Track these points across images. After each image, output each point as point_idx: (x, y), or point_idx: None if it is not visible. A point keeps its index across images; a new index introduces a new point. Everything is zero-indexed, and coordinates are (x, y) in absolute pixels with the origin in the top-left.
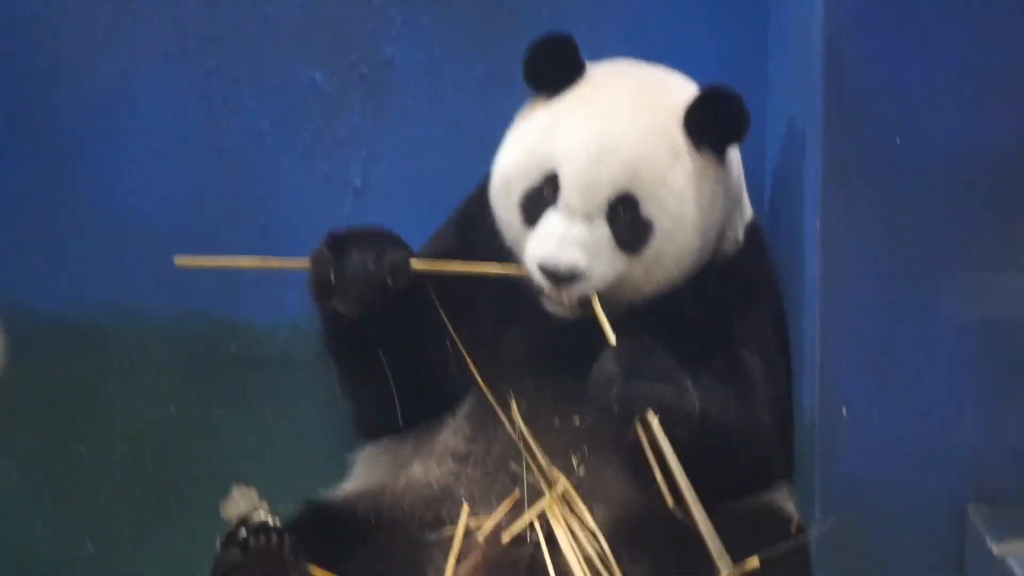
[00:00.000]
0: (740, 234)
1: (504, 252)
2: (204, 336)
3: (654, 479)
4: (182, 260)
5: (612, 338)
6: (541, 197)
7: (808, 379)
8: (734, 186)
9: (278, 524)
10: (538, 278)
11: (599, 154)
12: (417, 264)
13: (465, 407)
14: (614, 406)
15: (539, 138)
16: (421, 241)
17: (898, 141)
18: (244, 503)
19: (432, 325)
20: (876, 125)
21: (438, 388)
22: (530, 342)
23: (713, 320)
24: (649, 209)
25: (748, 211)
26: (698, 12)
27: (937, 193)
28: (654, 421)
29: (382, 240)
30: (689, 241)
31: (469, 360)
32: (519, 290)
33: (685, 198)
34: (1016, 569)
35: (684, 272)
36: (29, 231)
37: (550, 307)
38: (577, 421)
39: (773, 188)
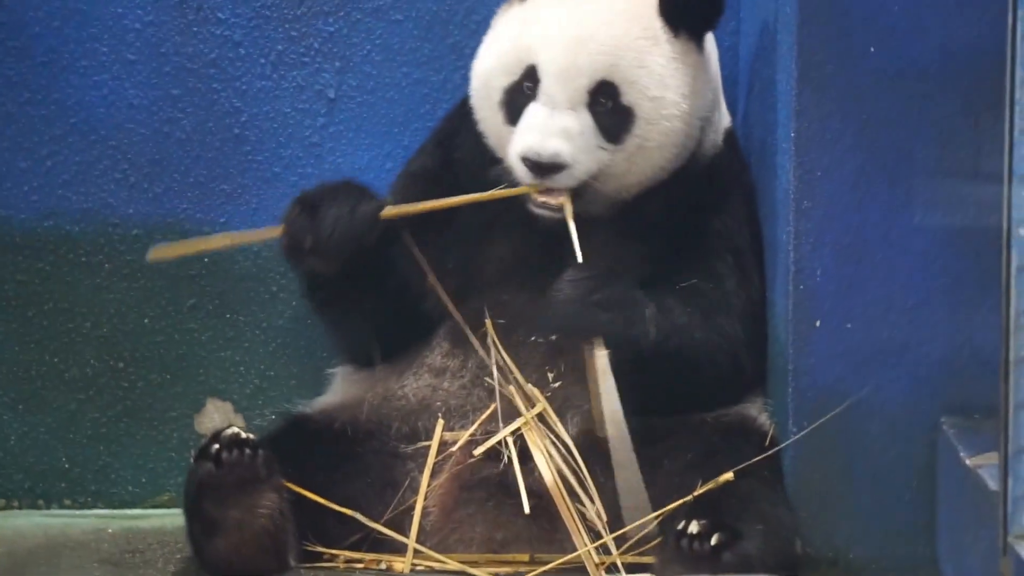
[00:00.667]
0: (720, 138)
1: (486, 163)
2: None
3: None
4: (156, 253)
5: (579, 254)
6: (521, 92)
7: (781, 290)
8: (713, 80)
9: (251, 438)
10: (522, 173)
11: (576, 43)
12: (389, 211)
13: (444, 323)
14: (564, 330)
15: (517, 33)
16: (396, 152)
17: (872, 49)
18: (218, 416)
19: (408, 259)
20: (850, 31)
21: (420, 319)
22: (508, 259)
23: (689, 224)
24: (630, 95)
25: (726, 116)
26: None
27: (910, 99)
28: (598, 351)
29: (350, 195)
30: (672, 127)
31: (442, 292)
32: (498, 207)
33: (665, 84)
34: (988, 480)
35: (668, 163)
36: (0, 140)
37: (536, 209)
38: (554, 337)
39: (747, 96)
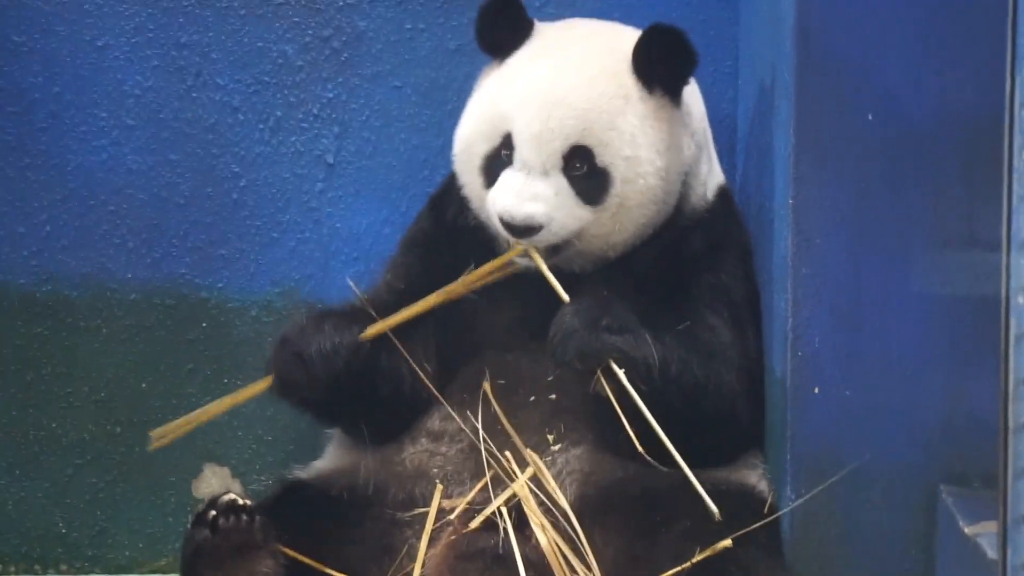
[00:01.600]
0: (709, 192)
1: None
2: (175, 312)
3: (622, 429)
4: (157, 440)
5: (565, 296)
6: (499, 158)
7: (779, 354)
8: (698, 132)
9: (248, 503)
10: (501, 232)
11: (548, 108)
12: (369, 332)
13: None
14: (575, 360)
15: (493, 100)
16: (394, 217)
17: (869, 117)
18: (216, 481)
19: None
20: (848, 97)
21: (415, 401)
22: (507, 320)
23: (682, 279)
24: (604, 157)
25: (718, 173)
26: None
27: (907, 167)
28: (618, 370)
29: (331, 328)
30: (649, 184)
31: (429, 384)
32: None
33: (638, 143)
34: (987, 549)
35: (652, 219)
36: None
37: (520, 260)
38: (553, 397)
39: (745, 162)
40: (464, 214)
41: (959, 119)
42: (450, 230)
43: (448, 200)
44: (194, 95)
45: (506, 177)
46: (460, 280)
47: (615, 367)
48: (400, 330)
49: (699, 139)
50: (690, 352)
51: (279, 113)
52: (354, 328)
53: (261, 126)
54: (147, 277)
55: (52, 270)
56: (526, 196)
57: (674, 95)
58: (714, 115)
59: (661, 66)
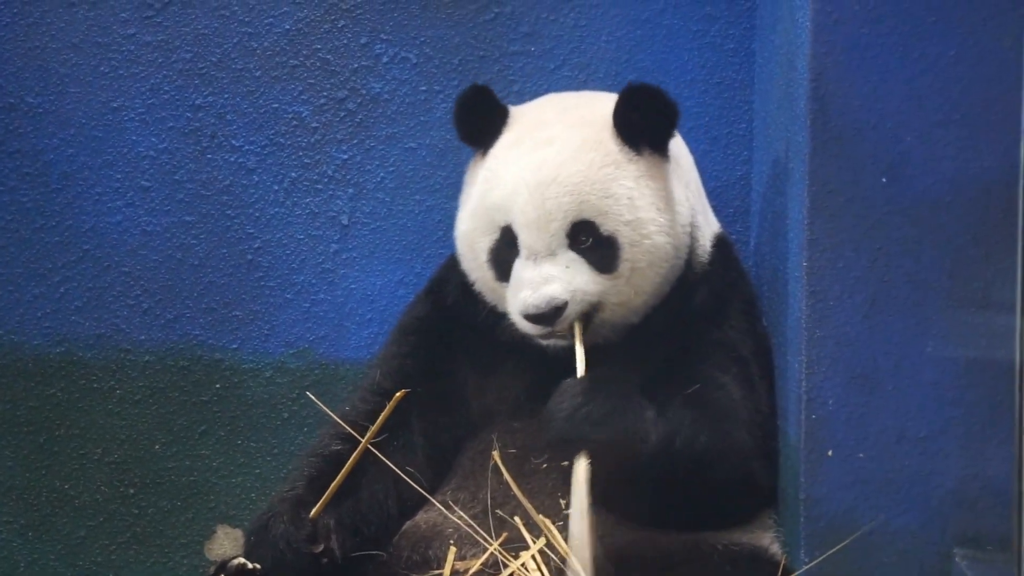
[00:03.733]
0: (707, 242)
1: (478, 312)
2: (189, 373)
3: (631, 498)
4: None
5: (582, 369)
6: (505, 250)
7: (793, 417)
8: (692, 183)
9: (258, 568)
10: (530, 328)
11: (541, 190)
12: (315, 512)
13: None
14: (554, 445)
15: (484, 193)
16: (408, 279)
17: (884, 180)
18: (228, 543)
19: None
20: (861, 162)
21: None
22: (519, 387)
23: (689, 336)
24: (607, 226)
25: (713, 222)
26: (684, 43)
27: (921, 230)
28: (579, 465)
29: (276, 530)
30: (657, 244)
31: (420, 489)
32: (501, 339)
33: (637, 205)
34: None
35: (667, 277)
36: (13, 265)
37: (545, 341)
38: (566, 463)
39: (759, 224)
40: (469, 300)
41: (973, 183)
42: (450, 317)
43: (448, 286)
44: (209, 156)
45: (517, 272)
46: (373, 427)
47: (580, 461)
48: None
49: (694, 187)
50: (700, 417)
51: (294, 175)
52: (295, 523)
53: (276, 187)
54: (161, 339)
55: (66, 332)
56: (541, 282)
57: (661, 151)
58: (728, 176)
59: (643, 125)
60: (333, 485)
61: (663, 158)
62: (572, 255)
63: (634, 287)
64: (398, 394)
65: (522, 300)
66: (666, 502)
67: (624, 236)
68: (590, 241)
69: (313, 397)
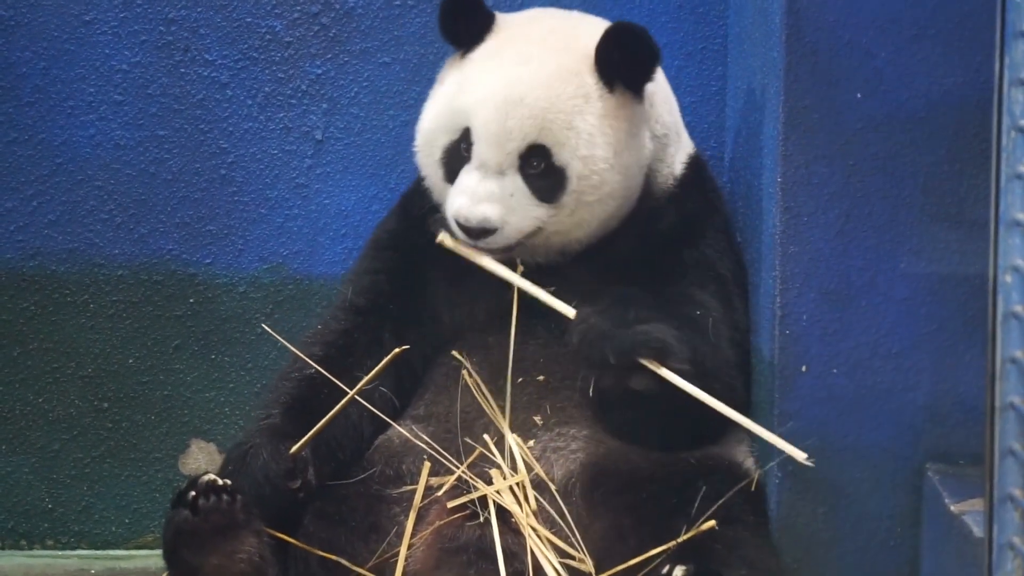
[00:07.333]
0: (677, 168)
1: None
2: (162, 288)
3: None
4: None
5: (570, 312)
6: (459, 152)
7: (767, 333)
8: (663, 121)
9: (229, 483)
10: (457, 232)
11: (506, 107)
12: (295, 448)
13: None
14: (611, 357)
15: (453, 94)
16: (382, 194)
17: (859, 96)
18: (202, 457)
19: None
20: (837, 77)
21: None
22: (488, 298)
23: (662, 257)
24: (561, 156)
25: (688, 144)
26: None
27: (895, 146)
28: (657, 365)
29: (255, 464)
30: (606, 180)
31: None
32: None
33: (596, 142)
34: (972, 527)
35: (613, 213)
36: None
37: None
38: (541, 378)
39: (734, 141)
40: (435, 212)
41: (948, 99)
42: (418, 227)
43: (420, 200)
44: (182, 70)
45: (463, 177)
46: (365, 379)
47: (651, 362)
48: (344, 363)
49: (665, 127)
50: (695, 336)
51: (267, 89)
52: (278, 459)
53: (249, 102)
54: (134, 253)
55: (39, 245)
56: (481, 197)
57: (636, 91)
58: (703, 92)
59: (623, 65)
60: (316, 428)
61: (636, 99)
62: (519, 181)
63: (576, 220)
64: (396, 350)
65: (457, 206)
66: (662, 420)
67: (574, 169)
68: (541, 167)
69: (268, 328)
